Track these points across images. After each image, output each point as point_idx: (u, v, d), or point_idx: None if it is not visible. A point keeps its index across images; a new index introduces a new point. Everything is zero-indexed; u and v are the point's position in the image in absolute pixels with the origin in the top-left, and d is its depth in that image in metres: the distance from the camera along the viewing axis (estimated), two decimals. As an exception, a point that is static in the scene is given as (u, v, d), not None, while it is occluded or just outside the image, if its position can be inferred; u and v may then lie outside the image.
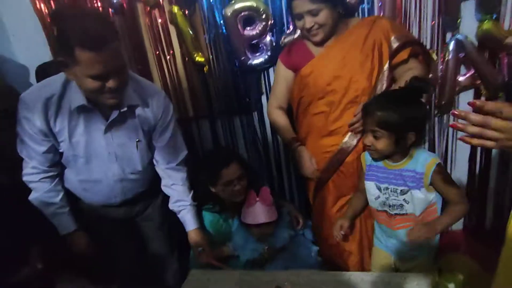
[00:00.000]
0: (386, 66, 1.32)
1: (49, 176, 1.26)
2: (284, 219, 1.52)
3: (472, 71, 1.59)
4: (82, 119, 1.17)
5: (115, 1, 1.67)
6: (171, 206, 1.40)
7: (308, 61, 1.39)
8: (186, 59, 1.78)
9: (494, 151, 1.73)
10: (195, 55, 1.73)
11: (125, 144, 1.26)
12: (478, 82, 1.60)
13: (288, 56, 1.46)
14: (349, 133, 1.35)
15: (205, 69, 1.79)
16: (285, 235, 1.48)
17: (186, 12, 1.67)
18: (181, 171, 1.39)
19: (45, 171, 1.24)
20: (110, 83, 1.05)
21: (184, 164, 1.41)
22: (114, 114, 1.18)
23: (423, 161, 1.16)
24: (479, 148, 1.74)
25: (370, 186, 1.27)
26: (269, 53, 1.68)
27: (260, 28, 1.62)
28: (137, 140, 1.27)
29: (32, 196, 1.26)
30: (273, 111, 1.55)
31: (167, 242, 1.55)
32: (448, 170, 1.78)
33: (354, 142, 1.34)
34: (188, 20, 1.68)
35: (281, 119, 1.53)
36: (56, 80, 1.14)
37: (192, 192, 1.41)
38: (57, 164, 1.27)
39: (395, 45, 1.29)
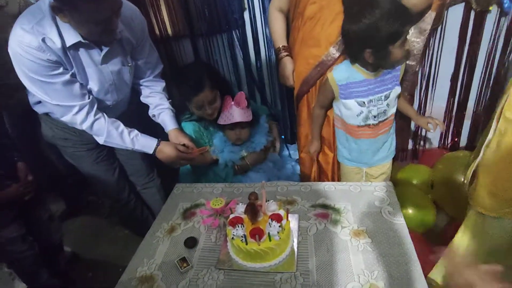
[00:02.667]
0: None
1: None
2: (261, 126, 1.58)
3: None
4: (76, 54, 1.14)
5: None
6: (151, 112, 1.45)
7: None
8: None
9: (477, 71, 1.74)
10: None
11: (118, 72, 1.26)
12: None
13: None
14: (332, 45, 1.32)
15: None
16: (262, 140, 1.55)
17: None
18: (159, 81, 1.46)
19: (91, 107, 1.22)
20: (110, 25, 1.06)
21: (161, 77, 1.46)
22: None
23: None
24: (461, 69, 1.75)
25: (352, 104, 1.27)
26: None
27: None
28: (129, 64, 1.29)
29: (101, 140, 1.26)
30: (272, 13, 1.48)
31: (147, 160, 1.63)
32: (430, 87, 1.81)
33: (336, 55, 1.31)
34: None
35: (277, 23, 1.48)
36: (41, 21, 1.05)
37: (170, 100, 1.47)
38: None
39: None
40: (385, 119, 1.30)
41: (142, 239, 1.14)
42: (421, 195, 1.65)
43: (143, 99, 1.46)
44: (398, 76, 1.26)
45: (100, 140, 1.26)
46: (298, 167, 1.68)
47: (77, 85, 1.16)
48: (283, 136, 1.87)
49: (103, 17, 1.02)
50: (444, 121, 1.93)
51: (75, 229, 2.14)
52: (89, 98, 1.21)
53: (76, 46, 1.11)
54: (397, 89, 1.27)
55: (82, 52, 1.14)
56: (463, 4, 1.59)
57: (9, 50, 1.07)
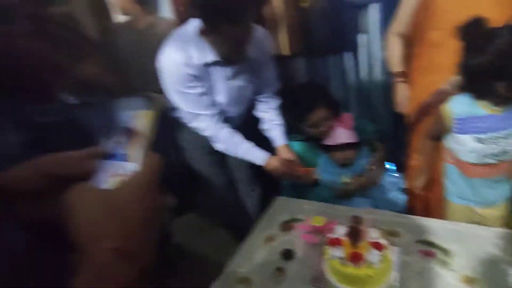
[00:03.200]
0: None
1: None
2: (364, 149, 1.55)
3: None
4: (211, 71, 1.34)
5: None
6: (263, 126, 1.58)
7: None
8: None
9: None
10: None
11: (243, 87, 1.43)
12: None
13: None
14: (456, 75, 1.23)
15: (304, 2, 1.77)
16: (363, 162, 1.52)
17: None
18: (274, 98, 1.57)
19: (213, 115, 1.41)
20: (243, 47, 1.26)
21: (276, 94, 1.58)
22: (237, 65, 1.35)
23: None
24: None
25: (467, 140, 1.17)
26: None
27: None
28: (252, 82, 1.45)
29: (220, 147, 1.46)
30: (391, 37, 1.48)
31: (254, 170, 1.74)
32: None
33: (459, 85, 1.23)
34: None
35: (396, 47, 1.46)
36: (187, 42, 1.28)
37: (281, 118, 1.57)
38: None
39: None
40: (507, 159, 1.15)
41: (240, 242, 1.22)
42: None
43: (257, 113, 1.60)
44: None
45: (219, 147, 1.43)
46: (402, 197, 1.59)
47: (207, 97, 1.35)
48: (391, 164, 1.79)
49: (240, 40, 1.20)
50: None
51: (182, 224, 2.40)
52: (215, 109, 1.38)
53: (212, 63, 1.30)
54: None
55: (216, 69, 1.33)
56: None
57: (158, 63, 1.31)
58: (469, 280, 0.92)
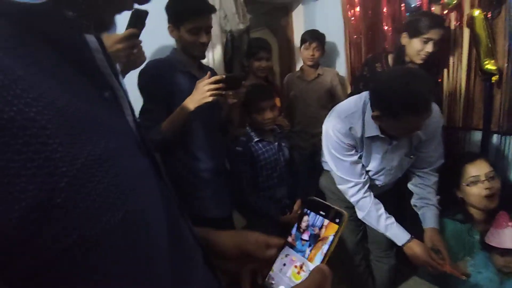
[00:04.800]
0: None
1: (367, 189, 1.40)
2: None
3: None
4: (371, 142, 1.36)
5: (412, 5, 1.76)
6: (414, 201, 1.46)
7: None
8: (473, 66, 1.65)
9: None
10: (486, 63, 1.58)
11: (401, 160, 1.39)
12: None
13: None
14: None
15: (493, 78, 1.60)
16: None
17: (489, 15, 1.54)
18: (433, 175, 1.43)
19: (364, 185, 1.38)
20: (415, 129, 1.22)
21: (437, 171, 1.43)
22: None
23: None
24: None
25: None
26: None
27: None
28: (410, 157, 1.39)
29: (360, 215, 1.41)
30: None
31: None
32: None
33: None
34: (489, 24, 1.54)
35: None
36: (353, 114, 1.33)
37: (438, 196, 1.42)
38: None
39: None
40: None
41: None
42: None
43: (410, 186, 1.50)
44: None
45: (360, 214, 1.40)
46: None
47: (360, 166, 1.36)
48: None
49: (417, 127, 1.17)
50: None
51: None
52: (364, 178, 1.38)
53: (373, 137, 1.31)
54: None
55: (375, 141, 1.33)
56: None
57: (325, 130, 1.38)
58: None
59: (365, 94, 1.32)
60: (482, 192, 1.32)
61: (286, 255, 0.47)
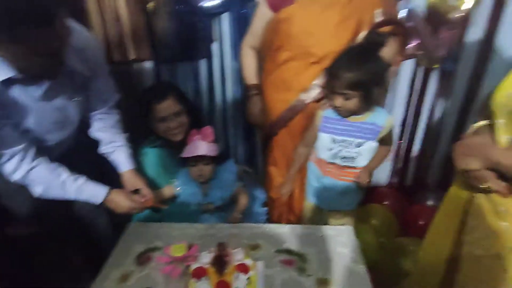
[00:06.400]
0: (360, 35, 1.26)
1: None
2: (229, 167, 1.50)
3: (417, 41, 1.66)
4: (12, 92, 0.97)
5: None
6: (102, 149, 1.30)
7: (287, 5, 1.28)
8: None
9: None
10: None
11: (64, 107, 1.11)
12: (420, 52, 1.69)
13: None
14: (303, 91, 1.34)
15: (149, 5, 1.61)
16: (229, 176, 1.45)
17: None
18: (113, 114, 1.32)
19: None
20: (55, 58, 0.92)
21: (116, 107, 1.32)
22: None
23: (383, 116, 1.23)
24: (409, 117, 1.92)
25: (325, 138, 1.28)
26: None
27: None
28: (77, 99, 1.14)
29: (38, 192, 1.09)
30: (245, 50, 1.48)
31: None
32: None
33: (307, 101, 1.34)
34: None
35: (249, 60, 1.48)
36: None
37: (125, 134, 1.34)
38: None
39: (378, 18, 1.25)
40: (352, 167, 1.31)
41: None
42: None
43: (92, 133, 1.30)
44: (377, 132, 1.24)
45: (37, 191, 1.09)
46: (263, 209, 1.62)
47: (7, 128, 0.99)
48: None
49: (45, 48, 0.86)
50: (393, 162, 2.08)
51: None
52: (23, 144, 1.03)
53: (7, 82, 0.94)
54: (371, 144, 1.26)
55: (15, 89, 0.97)
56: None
57: None
58: (322, 282, 1.00)
59: None
60: (169, 127, 1.39)
61: None
